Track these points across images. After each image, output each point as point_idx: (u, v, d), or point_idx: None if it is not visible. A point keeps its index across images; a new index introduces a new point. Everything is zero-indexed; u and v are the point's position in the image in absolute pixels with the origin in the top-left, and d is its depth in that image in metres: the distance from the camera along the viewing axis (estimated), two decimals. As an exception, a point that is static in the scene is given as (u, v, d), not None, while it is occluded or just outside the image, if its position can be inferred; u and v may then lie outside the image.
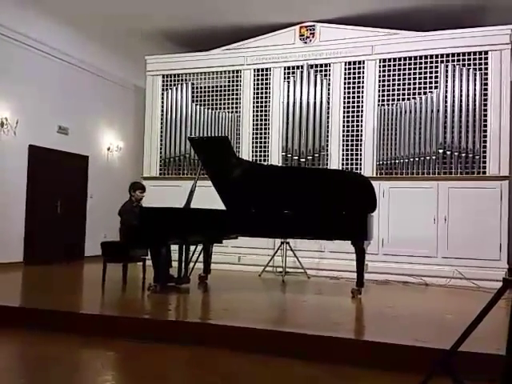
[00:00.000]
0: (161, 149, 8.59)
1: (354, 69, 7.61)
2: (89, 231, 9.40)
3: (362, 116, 7.54)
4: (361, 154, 7.53)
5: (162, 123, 8.61)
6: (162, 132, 8.60)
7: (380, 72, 7.47)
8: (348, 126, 7.62)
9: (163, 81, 8.64)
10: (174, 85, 8.56)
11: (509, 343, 2.13)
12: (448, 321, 4.47)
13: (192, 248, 6.19)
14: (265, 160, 7.98)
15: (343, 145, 7.62)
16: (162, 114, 8.61)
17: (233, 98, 8.26)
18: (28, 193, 8.23)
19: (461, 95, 7.03)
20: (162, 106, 8.62)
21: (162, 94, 8.62)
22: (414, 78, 7.30)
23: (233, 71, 8.24)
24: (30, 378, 3.22)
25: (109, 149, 10.10)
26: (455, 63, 7.11)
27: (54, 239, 8.57)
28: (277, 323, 4.39)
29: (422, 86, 7.26)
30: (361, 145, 7.54)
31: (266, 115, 8.06)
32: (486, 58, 6.98)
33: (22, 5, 7.12)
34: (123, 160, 10.46)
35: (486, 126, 6.95)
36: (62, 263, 8.17)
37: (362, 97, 7.55)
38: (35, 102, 8.33)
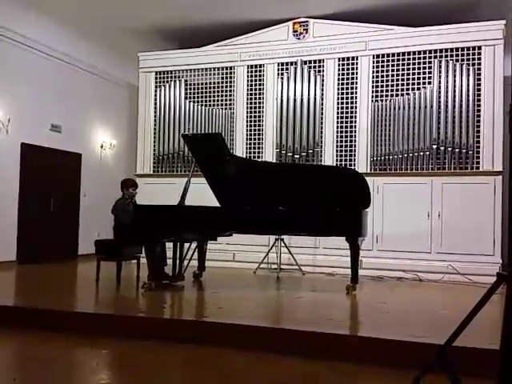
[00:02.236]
0: (154, 146, 8.56)
1: (348, 65, 7.60)
2: (82, 229, 9.36)
3: (355, 112, 7.54)
4: (355, 150, 7.53)
5: (155, 120, 8.58)
6: (155, 129, 8.57)
7: (374, 68, 7.47)
8: (342, 122, 7.61)
9: (156, 78, 8.61)
10: (167, 82, 8.52)
11: (503, 338, 2.13)
12: (442, 316, 4.48)
13: (186, 245, 6.18)
14: (259, 156, 7.97)
15: (337, 141, 7.62)
16: (155, 111, 8.58)
17: (226, 95, 8.24)
18: (21, 191, 8.17)
19: (454, 91, 7.04)
20: (155, 103, 8.58)
21: (155, 90, 8.58)
22: (408, 74, 7.31)
23: (226, 68, 8.22)
24: (25, 378, 3.20)
25: (102, 146, 10.04)
26: (448, 59, 7.11)
27: (48, 238, 8.51)
28: (273, 320, 4.40)
29: (416, 81, 7.26)
30: (355, 141, 7.53)
31: (259, 112, 8.04)
32: (480, 54, 6.99)
33: (14, 3, 7.06)
34: (116, 158, 10.41)
35: (479, 121, 6.96)
36: (55, 262, 8.12)
37: (356, 93, 7.55)
38: (28, 100, 8.27)
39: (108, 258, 5.95)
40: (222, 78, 8.27)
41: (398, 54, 7.35)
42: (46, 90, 8.62)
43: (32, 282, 6.48)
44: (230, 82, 8.21)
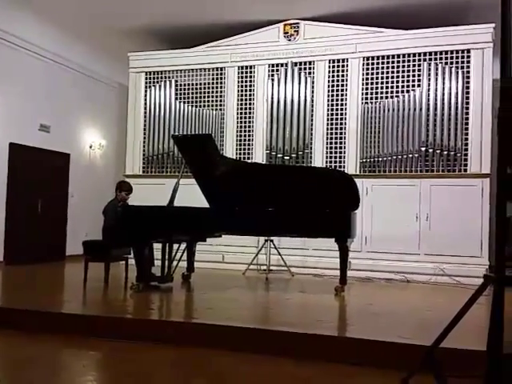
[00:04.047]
0: (144, 146, 8.52)
1: (338, 67, 7.63)
2: (70, 230, 9.29)
3: (345, 114, 7.57)
4: (344, 152, 7.55)
5: (144, 121, 8.54)
6: (144, 130, 8.53)
7: (363, 70, 7.50)
8: (332, 124, 7.64)
9: (146, 78, 8.57)
10: (157, 82, 8.49)
11: (489, 339, 2.15)
12: (430, 317, 4.50)
13: (175, 246, 6.15)
14: (249, 158, 7.96)
15: (327, 143, 7.64)
16: (145, 112, 8.54)
17: (217, 96, 8.23)
18: (8, 191, 8.09)
19: (443, 93, 7.09)
20: (145, 104, 8.54)
21: (145, 91, 8.55)
22: (397, 76, 7.34)
23: (216, 68, 8.20)
24: (11, 379, 3.16)
25: (91, 147, 9.98)
26: (438, 61, 7.16)
27: (35, 238, 8.44)
28: (262, 321, 4.39)
29: (405, 84, 7.30)
30: (344, 142, 7.56)
31: (250, 113, 8.04)
32: (469, 57, 7.04)
33: (3, 3, 6.99)
34: (105, 158, 10.35)
35: (467, 124, 7.02)
36: (43, 263, 8.05)
37: (346, 95, 7.57)
38: (16, 100, 8.19)
39: (96, 258, 5.91)
40: (213, 78, 8.26)
41: (388, 57, 7.38)
42: (35, 89, 8.56)
43: (19, 283, 6.42)
44: (221, 82, 8.20)
